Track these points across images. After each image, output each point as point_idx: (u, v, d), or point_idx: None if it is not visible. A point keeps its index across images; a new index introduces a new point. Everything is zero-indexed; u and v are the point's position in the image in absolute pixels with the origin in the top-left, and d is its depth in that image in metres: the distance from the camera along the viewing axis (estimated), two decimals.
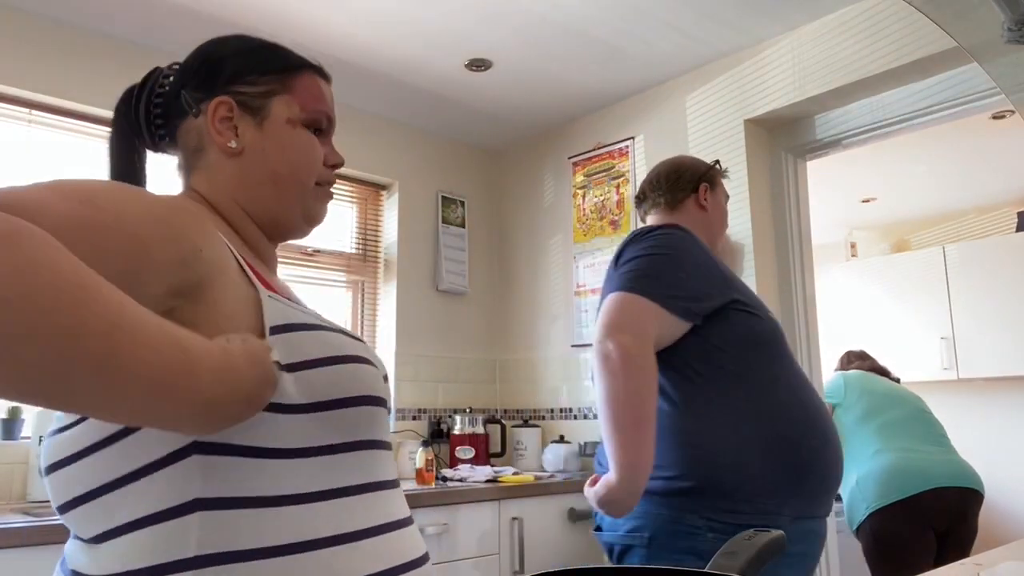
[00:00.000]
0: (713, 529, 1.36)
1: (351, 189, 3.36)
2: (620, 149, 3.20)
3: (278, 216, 0.89)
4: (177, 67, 0.92)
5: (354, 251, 3.34)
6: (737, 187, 2.77)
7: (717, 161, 1.83)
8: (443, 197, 3.49)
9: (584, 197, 3.32)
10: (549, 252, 3.45)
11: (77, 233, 0.59)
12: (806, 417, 1.47)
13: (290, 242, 3.27)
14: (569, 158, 3.40)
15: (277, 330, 0.74)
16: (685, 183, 1.74)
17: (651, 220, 1.78)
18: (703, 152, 2.89)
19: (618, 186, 3.18)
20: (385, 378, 0.86)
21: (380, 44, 2.73)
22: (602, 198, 3.24)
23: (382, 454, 0.82)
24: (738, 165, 2.77)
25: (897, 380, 3.19)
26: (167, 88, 0.91)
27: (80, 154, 2.64)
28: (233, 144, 0.86)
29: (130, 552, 0.67)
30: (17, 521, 1.83)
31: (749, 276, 2.70)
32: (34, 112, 2.53)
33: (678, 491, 1.39)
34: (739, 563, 0.58)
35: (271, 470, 0.70)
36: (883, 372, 3.19)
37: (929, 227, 5.17)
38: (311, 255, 3.18)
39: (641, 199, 1.81)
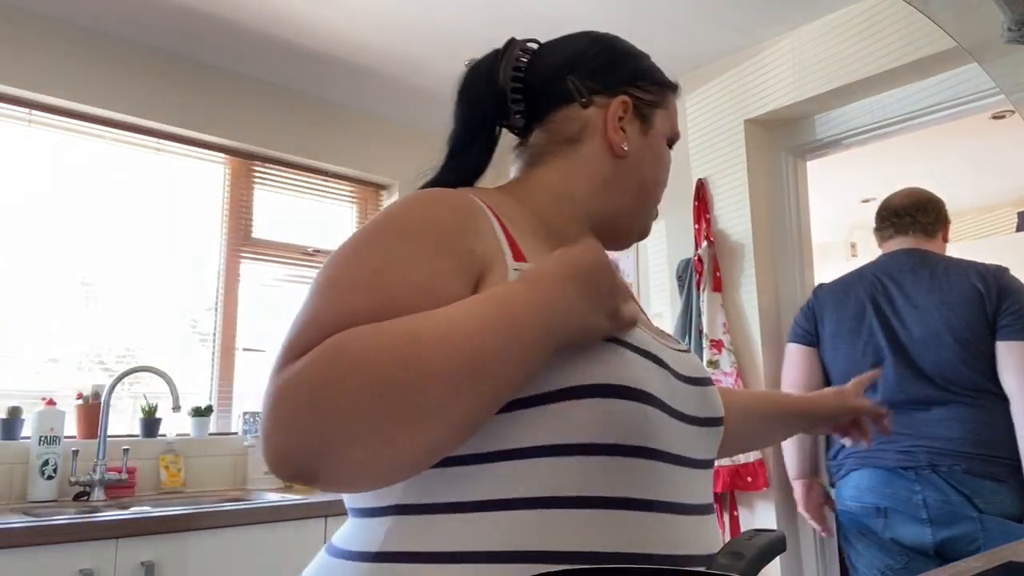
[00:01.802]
0: None
1: (351, 189, 3.36)
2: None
3: (623, 224, 0.88)
4: (537, 46, 0.89)
5: None
6: (737, 187, 2.77)
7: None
8: None
9: None
10: None
11: (381, 317, 0.63)
12: None
13: (290, 242, 3.25)
14: None
15: None
16: (943, 216, 2.25)
17: (904, 243, 2.15)
18: (703, 152, 2.89)
19: None
20: (686, 378, 0.78)
21: (380, 44, 2.73)
22: None
23: (658, 466, 0.70)
24: (738, 165, 2.77)
25: None
26: (538, 67, 0.87)
27: (80, 154, 2.63)
28: (625, 146, 0.84)
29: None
30: (17, 521, 1.83)
31: (749, 276, 2.70)
32: (34, 112, 2.53)
33: None
34: (739, 563, 0.58)
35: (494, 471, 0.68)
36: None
37: None
38: (311, 255, 3.18)
39: (897, 217, 2.20)
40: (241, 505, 2.17)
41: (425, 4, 2.48)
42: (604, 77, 0.86)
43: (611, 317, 0.68)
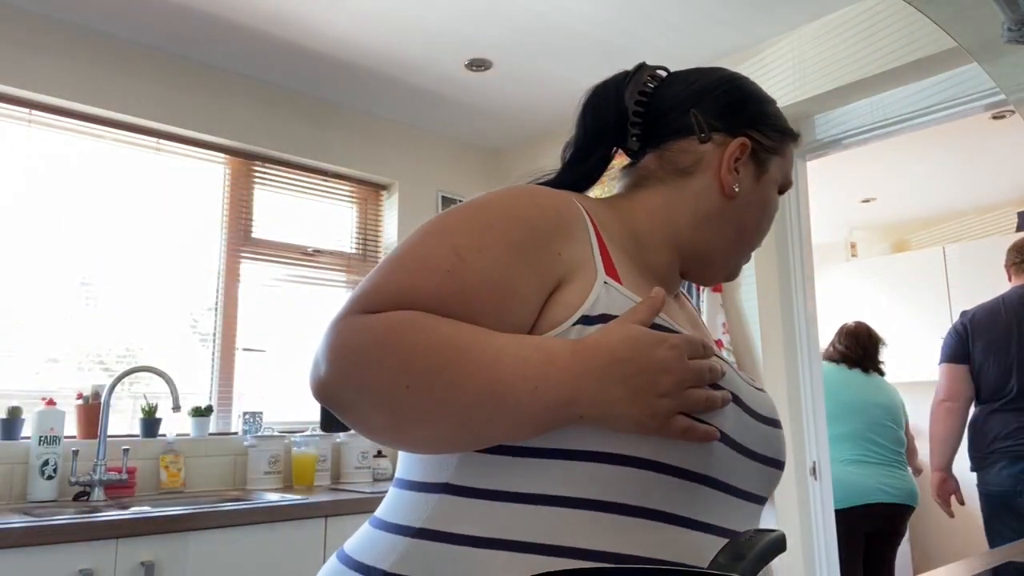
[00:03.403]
0: None
1: (351, 189, 3.36)
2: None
3: (715, 261, 0.88)
4: (666, 74, 0.91)
5: (354, 251, 3.34)
6: None
7: None
8: (443, 197, 3.49)
9: None
10: None
11: (446, 303, 0.68)
12: None
13: (290, 242, 3.27)
14: None
15: (592, 320, 0.71)
16: None
17: None
18: None
19: None
20: (760, 417, 0.78)
21: (380, 44, 2.73)
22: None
23: (716, 494, 0.72)
24: None
25: (881, 373, 3.25)
26: (664, 95, 0.89)
27: (80, 154, 2.63)
28: (737, 188, 0.85)
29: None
30: (17, 521, 1.83)
31: (749, 277, 2.70)
32: (34, 112, 2.53)
33: None
34: (739, 563, 0.58)
35: (515, 468, 0.69)
36: (864, 357, 3.23)
37: (929, 227, 5.17)
38: (311, 255, 3.18)
39: None
40: (241, 505, 2.17)
41: (425, 4, 2.48)
42: (728, 116, 0.86)
43: (655, 418, 0.66)
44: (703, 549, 0.70)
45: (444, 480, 0.71)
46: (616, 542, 0.66)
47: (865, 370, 3.23)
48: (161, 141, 2.81)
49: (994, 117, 3.39)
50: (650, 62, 0.93)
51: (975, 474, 2.78)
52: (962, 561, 1.17)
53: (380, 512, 0.76)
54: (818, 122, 2.77)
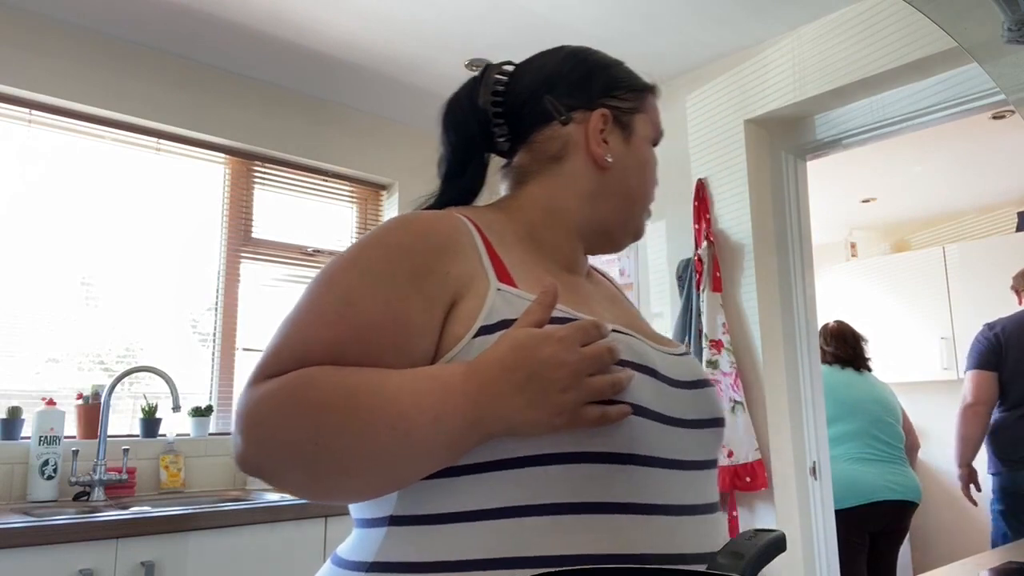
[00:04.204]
0: None
1: (351, 189, 3.36)
2: None
3: (615, 230, 0.89)
4: (513, 68, 0.91)
5: None
6: (737, 187, 2.77)
7: None
8: None
9: None
10: None
11: (344, 349, 0.69)
12: None
13: (290, 242, 3.27)
14: None
15: (492, 328, 0.71)
16: None
17: None
18: (703, 152, 2.89)
19: None
20: (680, 383, 0.79)
21: (380, 44, 2.73)
22: None
23: (652, 471, 0.71)
24: (738, 165, 2.77)
25: (869, 369, 3.27)
26: (515, 90, 0.89)
27: (80, 154, 2.64)
28: (610, 158, 0.86)
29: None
30: (17, 521, 1.83)
31: (749, 276, 2.70)
32: (34, 112, 2.53)
33: None
34: (739, 563, 0.58)
35: (456, 487, 0.70)
36: (855, 356, 3.25)
37: (929, 227, 5.17)
38: (311, 255, 3.18)
39: None
40: (241, 505, 2.17)
41: (425, 4, 2.48)
42: (580, 92, 0.87)
43: (562, 415, 0.65)
44: (654, 532, 0.69)
45: (388, 513, 0.71)
46: (559, 543, 0.66)
47: (857, 369, 3.25)
48: (161, 141, 2.81)
49: (994, 117, 3.39)
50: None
51: (998, 476, 2.91)
52: (962, 561, 1.17)
53: (339, 550, 0.77)
54: (818, 122, 2.77)
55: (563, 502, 0.67)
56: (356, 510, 0.76)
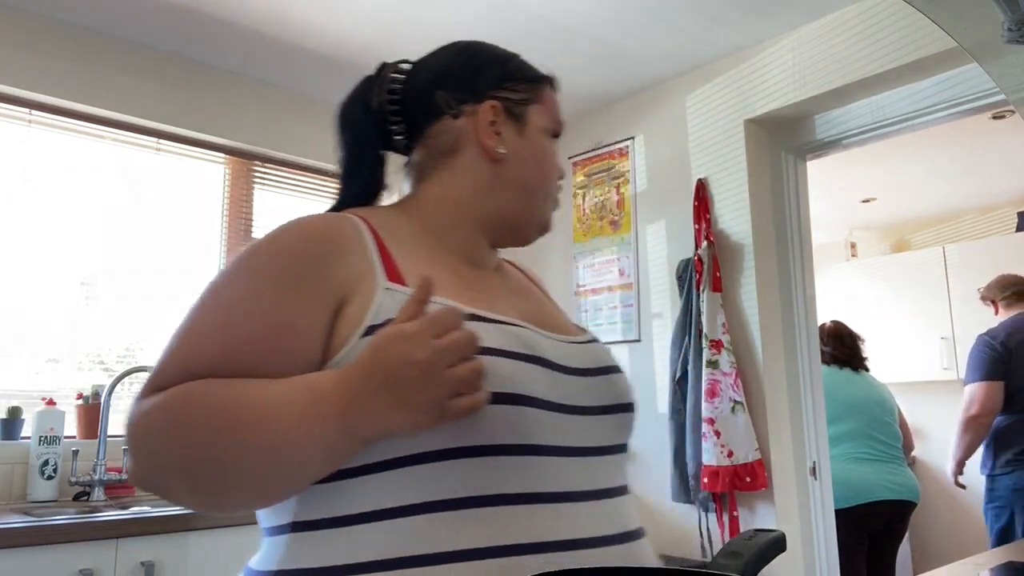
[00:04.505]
0: None
1: None
2: (620, 149, 3.19)
3: (518, 222, 0.88)
4: (410, 66, 0.92)
5: None
6: (737, 187, 2.77)
7: None
8: None
9: (584, 197, 3.32)
10: (549, 252, 3.44)
11: (227, 360, 0.69)
12: None
13: None
14: (569, 158, 3.40)
15: (381, 328, 0.70)
16: None
17: None
18: (703, 152, 2.89)
19: (618, 186, 3.18)
20: (576, 370, 0.79)
21: (380, 44, 2.73)
22: (602, 198, 3.24)
23: (544, 460, 0.71)
24: (738, 165, 2.77)
25: (867, 369, 3.28)
26: (410, 87, 0.90)
27: (80, 154, 2.64)
28: (502, 149, 0.86)
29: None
30: (17, 521, 1.83)
31: (749, 276, 2.70)
32: (34, 112, 2.53)
33: None
34: (739, 563, 0.58)
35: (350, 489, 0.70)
36: (852, 356, 3.24)
37: (929, 227, 5.17)
38: None
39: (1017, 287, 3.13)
40: None
41: (424, 4, 2.48)
42: (470, 86, 0.87)
43: (427, 413, 0.64)
44: (551, 519, 0.69)
45: (290, 520, 0.72)
46: (456, 538, 0.66)
47: (855, 369, 3.25)
48: (161, 141, 2.81)
49: (994, 117, 3.39)
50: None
51: (1005, 476, 2.93)
52: (962, 561, 1.17)
53: (251, 560, 0.77)
54: (818, 122, 2.77)
55: (456, 497, 0.68)
56: (261, 518, 0.76)
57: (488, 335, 0.72)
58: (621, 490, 0.78)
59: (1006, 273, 3.28)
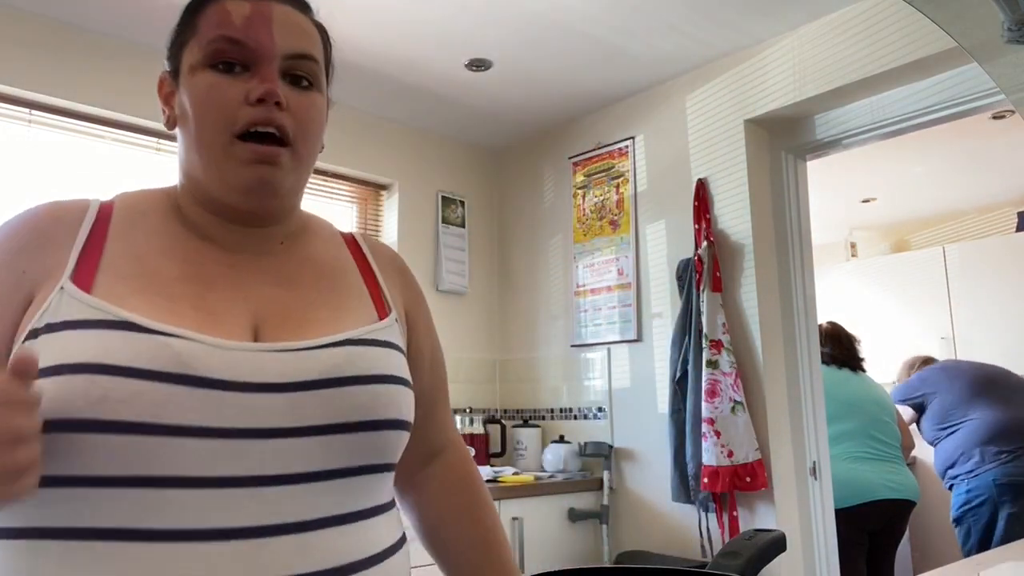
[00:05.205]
0: None
1: (351, 189, 3.36)
2: (620, 149, 3.20)
3: (208, 187, 0.77)
4: None
5: None
6: (737, 187, 2.77)
7: None
8: (443, 197, 3.50)
9: (584, 197, 3.32)
10: (549, 252, 3.45)
11: None
12: None
13: None
14: (569, 158, 3.40)
15: (56, 328, 0.66)
16: None
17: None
18: (703, 152, 2.89)
19: (618, 186, 3.18)
20: (277, 387, 0.70)
21: (380, 44, 2.73)
22: (602, 198, 3.24)
23: (151, 494, 0.64)
24: (738, 165, 2.77)
25: (864, 370, 3.29)
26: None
27: (80, 154, 2.64)
28: (165, 113, 0.82)
29: None
30: None
31: (749, 276, 2.70)
32: (34, 112, 2.53)
33: None
34: (739, 563, 0.58)
35: None
36: (850, 356, 3.26)
37: (929, 227, 5.17)
38: None
39: None
40: None
41: (425, 4, 2.48)
42: (172, 63, 0.83)
43: None
44: (166, 562, 0.62)
45: None
46: (51, 571, 0.62)
47: (853, 369, 3.26)
48: (161, 141, 2.81)
49: (994, 117, 3.39)
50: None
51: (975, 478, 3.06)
52: (962, 561, 1.17)
53: None
54: (818, 122, 2.77)
55: (79, 527, 0.63)
56: None
57: (126, 347, 0.64)
58: (342, 519, 0.70)
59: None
